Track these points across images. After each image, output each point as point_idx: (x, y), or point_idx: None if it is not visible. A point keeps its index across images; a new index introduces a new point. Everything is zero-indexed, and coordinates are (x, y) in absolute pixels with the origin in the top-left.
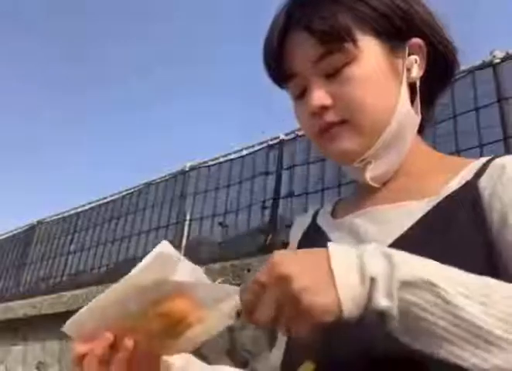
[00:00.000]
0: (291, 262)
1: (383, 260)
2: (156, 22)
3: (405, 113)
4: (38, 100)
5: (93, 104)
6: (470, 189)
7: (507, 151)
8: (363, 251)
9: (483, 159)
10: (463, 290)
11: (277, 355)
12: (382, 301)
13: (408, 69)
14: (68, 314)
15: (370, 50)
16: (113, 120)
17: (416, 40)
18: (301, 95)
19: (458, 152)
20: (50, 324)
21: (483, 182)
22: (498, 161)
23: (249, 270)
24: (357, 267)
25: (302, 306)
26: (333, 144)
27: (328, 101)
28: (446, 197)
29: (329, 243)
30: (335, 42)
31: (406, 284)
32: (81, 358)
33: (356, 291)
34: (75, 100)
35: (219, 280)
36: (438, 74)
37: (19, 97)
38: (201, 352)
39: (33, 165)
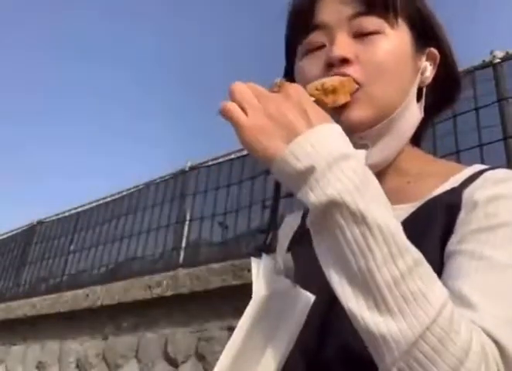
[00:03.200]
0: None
1: (349, 181)
2: None
3: (412, 105)
4: None
5: None
6: (454, 196)
7: (507, 151)
8: (348, 157)
9: (477, 167)
10: (392, 247)
11: None
12: (312, 197)
13: (422, 73)
14: (68, 314)
15: (402, 33)
16: None
17: (434, 50)
18: (317, 49)
19: (458, 152)
20: (50, 324)
21: (467, 192)
22: (487, 174)
23: (249, 270)
24: (328, 162)
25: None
26: (345, 110)
27: (351, 56)
28: (428, 201)
29: (334, 124)
30: (378, 6)
31: (343, 205)
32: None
33: (297, 168)
34: None
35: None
36: (443, 94)
37: None
38: (200, 353)
39: None
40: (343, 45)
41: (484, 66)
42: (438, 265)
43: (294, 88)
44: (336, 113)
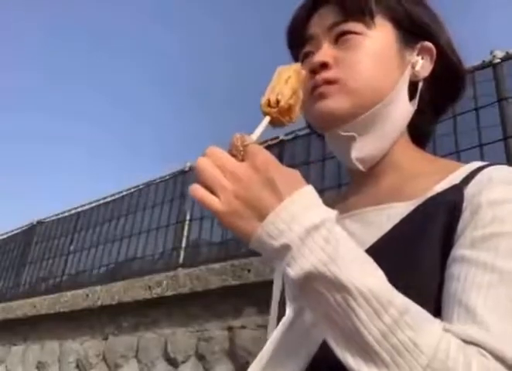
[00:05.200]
0: (270, 164)
1: (323, 252)
2: None
3: (401, 98)
4: None
5: None
6: (455, 193)
7: (507, 151)
8: (318, 227)
9: (476, 164)
10: (374, 303)
11: None
12: (291, 272)
13: (413, 67)
14: (68, 314)
15: (384, 32)
16: None
17: (429, 44)
18: (308, 58)
19: (458, 152)
20: (50, 324)
21: (469, 189)
22: (487, 171)
23: (249, 271)
24: (301, 232)
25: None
26: (319, 102)
27: (330, 60)
28: (428, 199)
29: (309, 188)
30: (354, 11)
31: (320, 276)
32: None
33: (273, 247)
34: None
35: None
36: (446, 87)
37: None
38: (200, 353)
39: None
40: (324, 51)
41: (484, 66)
42: (436, 264)
43: (260, 158)
44: (312, 105)
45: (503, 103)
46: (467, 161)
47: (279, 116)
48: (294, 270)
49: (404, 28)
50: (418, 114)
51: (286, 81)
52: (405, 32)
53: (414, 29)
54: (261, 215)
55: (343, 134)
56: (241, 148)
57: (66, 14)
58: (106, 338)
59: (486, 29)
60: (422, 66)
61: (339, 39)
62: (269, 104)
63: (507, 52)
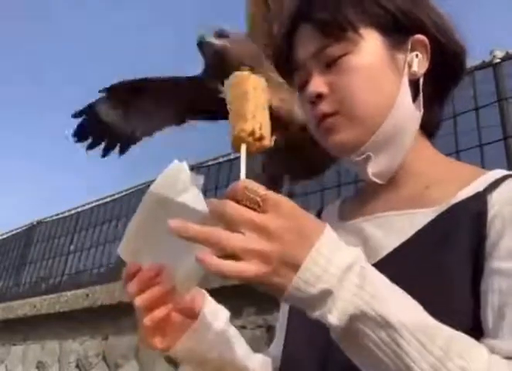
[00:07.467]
0: (291, 213)
1: (362, 291)
2: None
3: (405, 107)
4: None
5: None
6: (479, 201)
7: (507, 151)
8: (347, 268)
9: (500, 172)
10: (421, 337)
11: (276, 348)
12: (332, 320)
13: (410, 66)
14: (68, 314)
15: (370, 42)
16: None
17: (419, 36)
18: (303, 87)
19: (458, 152)
20: (50, 324)
21: (494, 198)
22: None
23: None
24: (332, 277)
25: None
26: (328, 136)
27: (324, 89)
28: (452, 207)
29: (329, 228)
30: (336, 32)
31: (364, 316)
32: (131, 275)
33: (311, 293)
34: None
35: None
36: (446, 74)
37: None
38: None
39: None
40: (316, 81)
41: (484, 66)
42: (466, 274)
43: (286, 207)
44: (322, 137)
45: (503, 103)
46: (467, 161)
47: (259, 144)
48: (335, 316)
49: (388, 28)
50: (424, 109)
51: (246, 98)
52: (391, 31)
53: (399, 25)
54: (297, 265)
55: (357, 159)
56: (259, 199)
57: None
58: (106, 338)
59: (486, 29)
60: (419, 63)
61: (328, 63)
62: (249, 134)
63: (507, 52)
